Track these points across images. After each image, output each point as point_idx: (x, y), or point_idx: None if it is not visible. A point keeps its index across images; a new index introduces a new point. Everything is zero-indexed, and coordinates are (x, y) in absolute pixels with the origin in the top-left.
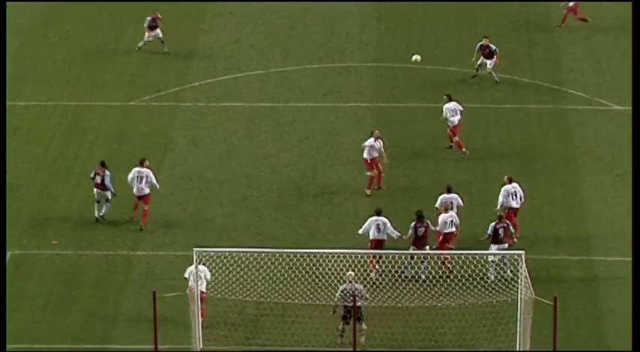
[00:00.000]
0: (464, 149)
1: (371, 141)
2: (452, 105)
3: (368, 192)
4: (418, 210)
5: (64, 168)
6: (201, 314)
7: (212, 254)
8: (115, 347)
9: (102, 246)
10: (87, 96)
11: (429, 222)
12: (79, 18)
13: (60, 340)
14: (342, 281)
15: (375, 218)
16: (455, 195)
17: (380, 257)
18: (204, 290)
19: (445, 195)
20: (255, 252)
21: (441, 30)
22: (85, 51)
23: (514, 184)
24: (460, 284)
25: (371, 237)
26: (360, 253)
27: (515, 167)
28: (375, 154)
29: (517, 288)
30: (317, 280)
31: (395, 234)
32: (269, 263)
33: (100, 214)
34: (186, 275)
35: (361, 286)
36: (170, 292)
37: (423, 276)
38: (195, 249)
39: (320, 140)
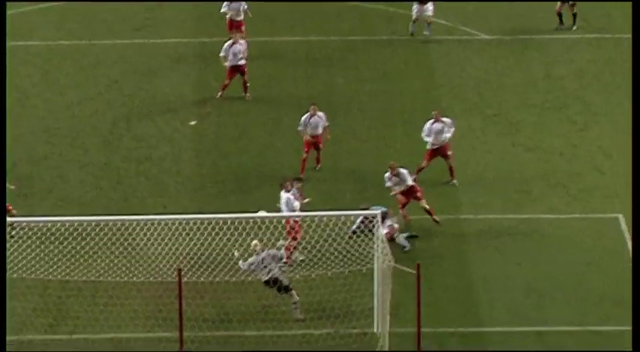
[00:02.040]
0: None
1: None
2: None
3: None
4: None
5: None
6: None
7: (6, 225)
8: None
9: None
10: None
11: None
12: None
13: None
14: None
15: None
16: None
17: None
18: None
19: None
20: (58, 221)
21: None
22: None
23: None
24: (306, 252)
25: None
26: (186, 219)
27: (368, 114)
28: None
29: (373, 255)
30: (134, 253)
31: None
32: (75, 234)
33: None
34: None
35: (279, 251)
36: None
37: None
38: None
39: (133, 84)
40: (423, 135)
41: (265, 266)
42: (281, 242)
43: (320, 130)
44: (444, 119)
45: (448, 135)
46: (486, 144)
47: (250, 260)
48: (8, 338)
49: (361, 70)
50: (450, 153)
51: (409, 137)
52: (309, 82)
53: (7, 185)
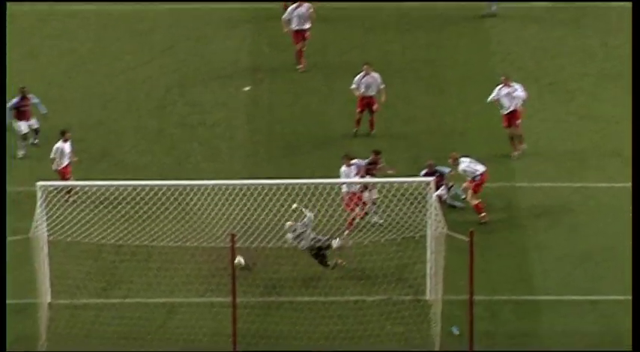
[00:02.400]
0: None
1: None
2: None
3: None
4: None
5: None
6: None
7: (60, 189)
8: None
9: None
10: None
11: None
12: None
13: None
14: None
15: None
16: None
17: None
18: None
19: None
20: (112, 185)
21: None
22: None
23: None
24: (357, 219)
25: None
26: (239, 184)
27: (422, 81)
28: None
29: (425, 222)
30: (187, 218)
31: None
32: (129, 198)
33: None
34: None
35: (310, 214)
36: (9, 235)
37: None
38: (38, 183)
39: (187, 50)
40: (490, 97)
41: (299, 236)
42: (295, 205)
43: (373, 91)
44: (513, 83)
45: (521, 93)
46: (542, 112)
47: (289, 235)
48: (62, 301)
49: (416, 38)
50: (518, 122)
51: (464, 105)
52: (363, 48)
53: (72, 157)
